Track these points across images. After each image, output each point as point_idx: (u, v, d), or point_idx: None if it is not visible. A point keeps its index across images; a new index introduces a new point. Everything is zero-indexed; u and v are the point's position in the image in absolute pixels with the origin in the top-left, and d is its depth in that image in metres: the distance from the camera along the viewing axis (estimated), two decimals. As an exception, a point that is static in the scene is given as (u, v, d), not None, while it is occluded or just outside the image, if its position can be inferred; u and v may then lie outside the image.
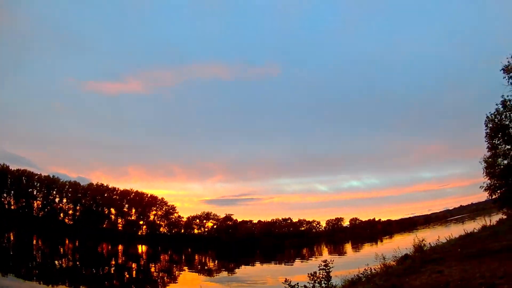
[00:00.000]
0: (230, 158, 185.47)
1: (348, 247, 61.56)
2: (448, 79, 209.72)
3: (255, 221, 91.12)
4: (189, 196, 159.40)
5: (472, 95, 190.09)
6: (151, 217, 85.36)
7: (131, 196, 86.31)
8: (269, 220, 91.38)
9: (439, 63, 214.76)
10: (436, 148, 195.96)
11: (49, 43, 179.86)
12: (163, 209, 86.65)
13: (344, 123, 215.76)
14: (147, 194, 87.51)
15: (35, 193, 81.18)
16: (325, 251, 58.25)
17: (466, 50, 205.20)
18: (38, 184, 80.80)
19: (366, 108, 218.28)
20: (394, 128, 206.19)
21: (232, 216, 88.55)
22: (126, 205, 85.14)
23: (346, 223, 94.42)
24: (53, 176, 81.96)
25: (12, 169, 77.18)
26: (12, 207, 76.69)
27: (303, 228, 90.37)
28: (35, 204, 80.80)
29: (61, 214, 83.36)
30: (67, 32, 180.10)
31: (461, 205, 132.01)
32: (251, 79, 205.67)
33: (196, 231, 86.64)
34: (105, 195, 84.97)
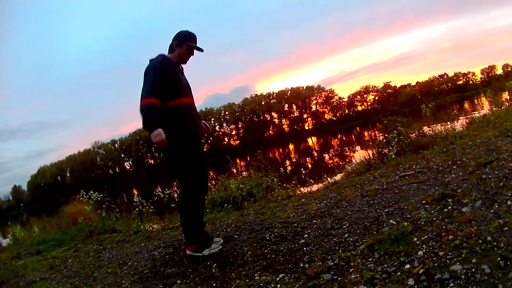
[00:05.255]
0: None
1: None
2: None
3: (413, 83, 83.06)
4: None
5: None
6: (313, 107, 77.07)
7: (288, 95, 74.86)
8: (426, 79, 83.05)
9: None
10: None
11: None
12: (322, 95, 77.01)
13: None
14: (303, 87, 75.60)
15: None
16: (485, 103, 54.75)
17: None
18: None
19: None
20: None
21: (390, 83, 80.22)
22: (286, 105, 75.10)
23: (498, 71, 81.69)
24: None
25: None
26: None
27: (460, 82, 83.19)
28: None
29: (225, 139, 74.62)
30: None
31: None
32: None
33: (359, 108, 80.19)
34: (262, 103, 73.32)
